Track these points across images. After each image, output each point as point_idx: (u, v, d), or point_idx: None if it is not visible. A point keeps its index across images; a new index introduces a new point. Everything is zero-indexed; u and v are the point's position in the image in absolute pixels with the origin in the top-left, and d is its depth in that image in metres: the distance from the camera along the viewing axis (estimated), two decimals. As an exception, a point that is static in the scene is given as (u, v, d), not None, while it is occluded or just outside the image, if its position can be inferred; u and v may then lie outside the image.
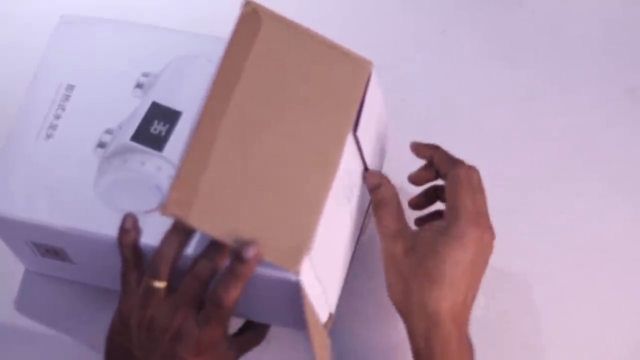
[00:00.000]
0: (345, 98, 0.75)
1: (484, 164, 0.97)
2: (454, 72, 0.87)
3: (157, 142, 0.80)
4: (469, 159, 0.98)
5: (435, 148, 0.81)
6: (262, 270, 0.73)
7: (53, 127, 0.82)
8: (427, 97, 0.88)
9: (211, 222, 0.71)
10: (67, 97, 0.83)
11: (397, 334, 0.89)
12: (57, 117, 0.83)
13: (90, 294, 0.89)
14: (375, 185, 0.80)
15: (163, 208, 0.70)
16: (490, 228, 0.78)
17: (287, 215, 0.72)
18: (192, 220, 0.70)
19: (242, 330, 0.83)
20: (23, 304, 0.91)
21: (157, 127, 0.80)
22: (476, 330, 0.90)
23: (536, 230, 0.95)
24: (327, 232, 0.76)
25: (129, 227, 0.76)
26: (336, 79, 0.75)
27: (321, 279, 0.76)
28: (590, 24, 1.05)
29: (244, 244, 0.71)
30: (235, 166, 0.72)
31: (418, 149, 0.82)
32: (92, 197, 0.79)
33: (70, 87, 0.84)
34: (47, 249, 0.83)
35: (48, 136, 0.82)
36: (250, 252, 0.71)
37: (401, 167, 0.95)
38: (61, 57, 0.85)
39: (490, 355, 0.89)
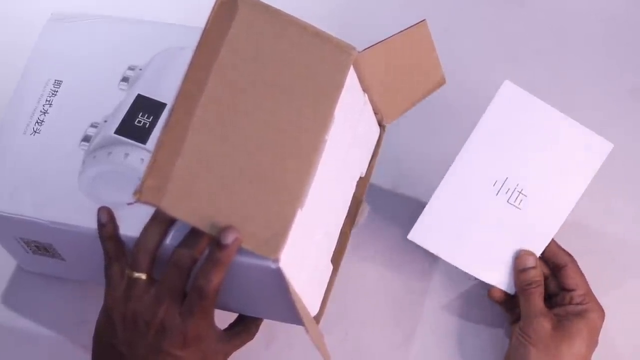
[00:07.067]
0: (328, 84, 0.74)
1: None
2: (455, 71, 0.87)
3: (141, 134, 0.79)
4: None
5: (570, 257, 0.87)
6: (242, 259, 0.72)
7: (40, 122, 0.82)
8: (429, 97, 0.87)
9: (185, 209, 0.69)
10: (54, 93, 0.83)
11: (396, 334, 0.89)
12: (45, 112, 0.82)
13: (85, 293, 0.89)
14: (527, 266, 0.85)
15: (137, 195, 0.69)
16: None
17: (266, 202, 0.71)
18: (165, 206, 0.69)
19: (233, 326, 0.81)
20: (17, 303, 0.90)
21: (142, 120, 0.79)
22: (477, 329, 0.88)
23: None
24: (311, 219, 0.74)
25: (105, 221, 0.75)
26: (318, 64, 0.74)
27: (305, 266, 0.74)
28: (592, 24, 1.05)
29: (222, 229, 0.69)
30: (211, 152, 0.70)
31: (553, 255, 0.87)
32: (77, 191, 0.79)
33: (58, 83, 0.84)
34: (38, 245, 0.83)
35: (35, 131, 0.82)
36: (229, 237, 0.69)
37: (399, 167, 0.94)
38: (49, 53, 0.85)
39: (493, 356, 0.89)
